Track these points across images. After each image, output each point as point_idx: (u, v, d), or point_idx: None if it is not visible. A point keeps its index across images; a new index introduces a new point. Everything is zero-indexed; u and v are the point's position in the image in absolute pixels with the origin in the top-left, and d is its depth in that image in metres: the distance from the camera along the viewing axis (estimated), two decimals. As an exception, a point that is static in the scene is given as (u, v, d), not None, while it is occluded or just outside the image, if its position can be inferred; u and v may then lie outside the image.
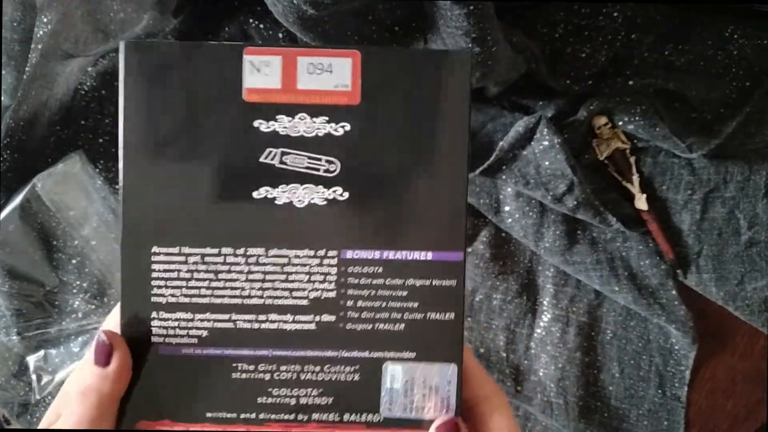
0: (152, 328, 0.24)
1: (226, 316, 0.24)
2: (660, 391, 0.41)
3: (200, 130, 0.23)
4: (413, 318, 0.24)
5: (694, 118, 0.40)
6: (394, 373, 0.24)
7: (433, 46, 0.35)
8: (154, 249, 0.23)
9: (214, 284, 0.24)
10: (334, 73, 0.23)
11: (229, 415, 0.24)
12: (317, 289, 0.24)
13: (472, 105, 0.39)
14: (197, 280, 0.24)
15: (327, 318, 0.24)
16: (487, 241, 0.42)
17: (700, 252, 0.42)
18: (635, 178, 0.41)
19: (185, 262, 0.24)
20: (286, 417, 0.24)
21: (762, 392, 0.42)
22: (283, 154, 0.23)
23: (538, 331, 0.42)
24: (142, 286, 0.24)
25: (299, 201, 0.23)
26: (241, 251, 0.24)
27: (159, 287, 0.24)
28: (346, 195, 0.23)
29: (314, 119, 0.23)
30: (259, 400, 0.24)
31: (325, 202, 0.23)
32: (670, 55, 0.39)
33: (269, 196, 0.23)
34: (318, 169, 0.23)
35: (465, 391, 0.24)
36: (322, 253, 0.24)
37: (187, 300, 0.24)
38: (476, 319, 0.42)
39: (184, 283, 0.24)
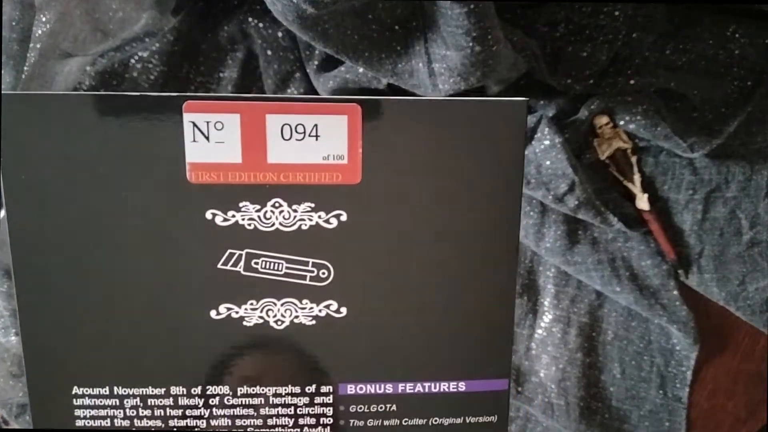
0: None
1: None
2: (661, 391, 0.41)
3: (129, 225, 0.16)
4: None
5: (696, 117, 0.40)
6: None
7: (433, 45, 0.34)
8: (75, 390, 0.17)
9: None
10: (322, 138, 0.16)
11: None
12: None
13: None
14: (138, 429, 0.17)
15: None
16: (488, 241, 0.42)
17: (701, 252, 0.41)
18: (636, 177, 0.41)
19: (120, 406, 0.17)
20: None
21: (763, 393, 0.42)
22: (250, 257, 0.16)
23: (539, 331, 0.42)
24: None
25: (277, 321, 0.17)
26: (197, 390, 0.17)
27: None
28: (343, 311, 0.17)
29: (294, 207, 0.16)
30: None
31: (313, 322, 0.17)
32: (671, 55, 0.39)
33: (234, 315, 0.17)
34: (303, 277, 0.17)
35: None
36: (312, 389, 0.18)
37: None
38: (477, 320, 0.42)
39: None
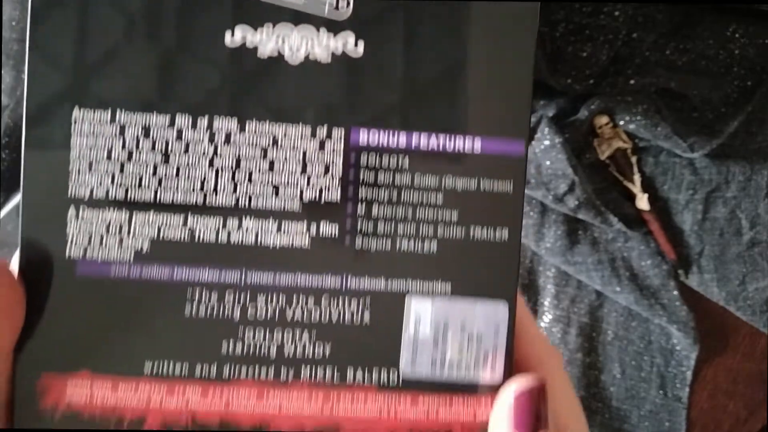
0: (67, 236, 0.16)
1: (178, 219, 0.16)
2: (661, 391, 0.41)
3: None
4: (450, 235, 0.17)
5: (696, 117, 0.40)
6: (421, 313, 0.17)
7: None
8: (75, 112, 0.16)
9: (162, 170, 0.16)
10: None
11: (177, 367, 0.17)
12: (315, 187, 0.16)
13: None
14: (138, 163, 0.16)
15: (328, 229, 0.17)
16: (488, 241, 0.42)
17: (701, 252, 0.41)
18: (637, 177, 0.41)
19: (120, 134, 0.16)
20: (263, 373, 0.17)
21: (763, 393, 0.42)
22: None
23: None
24: (55, 165, 0.16)
25: (292, 53, 0.16)
26: (204, 122, 0.16)
27: (80, 172, 0.16)
28: (361, 47, 0.16)
29: None
30: (225, 347, 0.17)
31: (329, 57, 0.16)
32: (671, 55, 0.39)
33: (248, 44, 0.16)
34: (322, 3, 0.16)
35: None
36: (323, 132, 0.16)
37: (121, 193, 0.16)
38: (477, 320, 0.42)
39: (118, 167, 0.16)
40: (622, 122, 0.40)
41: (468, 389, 0.17)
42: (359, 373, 0.17)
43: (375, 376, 0.17)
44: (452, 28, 0.16)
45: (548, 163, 0.39)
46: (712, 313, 0.42)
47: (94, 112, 0.16)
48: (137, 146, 0.16)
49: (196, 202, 0.16)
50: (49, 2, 0.15)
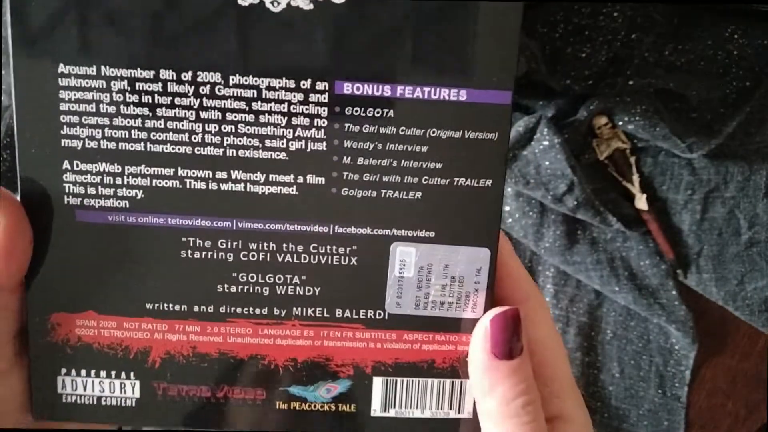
0: (64, 185, 0.17)
1: (170, 171, 0.17)
2: (660, 391, 0.41)
3: None
4: (435, 183, 0.17)
5: (694, 118, 0.40)
6: (406, 257, 0.18)
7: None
8: (61, 68, 0.16)
9: (150, 123, 0.16)
10: None
11: (177, 307, 0.18)
12: (300, 138, 0.17)
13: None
14: (125, 116, 0.16)
15: (314, 179, 0.17)
16: (487, 241, 0.42)
17: (700, 252, 0.42)
18: (635, 178, 0.41)
19: (107, 89, 0.16)
20: (257, 311, 0.18)
21: (762, 392, 0.42)
22: None
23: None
24: (45, 120, 0.16)
25: (273, 2, 0.16)
26: (187, 76, 0.16)
27: (71, 125, 0.16)
28: None
29: None
30: (219, 288, 0.18)
31: (311, 5, 0.16)
32: (670, 55, 0.39)
33: None
34: None
35: (496, 288, 0.18)
36: (307, 84, 0.16)
37: (112, 145, 0.17)
38: (476, 319, 0.42)
39: (107, 121, 0.16)
40: (620, 123, 0.40)
41: (450, 326, 0.18)
42: (347, 312, 0.18)
43: (362, 314, 0.18)
44: None
45: (547, 163, 0.39)
46: (711, 313, 0.42)
47: (80, 68, 0.16)
48: (124, 100, 0.16)
49: (185, 152, 0.17)
50: None
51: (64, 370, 0.18)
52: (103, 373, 0.18)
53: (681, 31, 0.39)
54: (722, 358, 0.42)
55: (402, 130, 0.17)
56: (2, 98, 0.41)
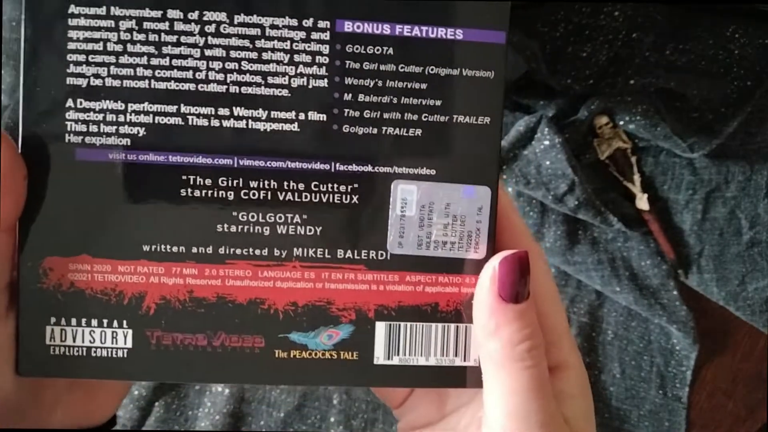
0: (66, 123, 0.17)
1: (172, 108, 0.17)
2: (661, 391, 0.41)
3: None
4: (434, 121, 0.17)
5: (695, 117, 0.40)
6: (407, 196, 0.18)
7: None
8: (72, 9, 0.16)
9: (155, 61, 0.17)
10: None
11: (174, 249, 0.17)
12: (302, 75, 0.17)
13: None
14: (132, 54, 0.17)
15: (315, 116, 0.17)
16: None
17: (701, 252, 0.42)
18: (636, 177, 0.41)
19: (115, 29, 0.17)
20: (257, 252, 0.18)
21: (763, 393, 0.42)
22: None
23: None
24: (52, 58, 0.17)
25: None
26: (194, 15, 0.17)
27: (77, 63, 0.17)
28: None
29: None
30: (219, 228, 0.17)
31: None
32: (671, 55, 0.39)
33: None
34: None
35: (498, 237, 0.18)
36: (309, 23, 0.17)
37: (117, 83, 0.17)
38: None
39: (113, 59, 0.17)
40: (621, 122, 0.40)
41: (453, 267, 0.18)
42: (348, 253, 0.18)
43: (364, 255, 0.18)
44: None
45: (548, 163, 0.39)
46: (712, 313, 0.42)
47: (89, 8, 0.17)
48: (131, 39, 0.17)
49: (188, 89, 0.17)
50: None
51: (53, 320, 0.17)
52: (94, 322, 0.18)
53: (682, 31, 0.39)
54: (723, 359, 0.42)
55: (401, 68, 0.17)
56: (1, 98, 0.41)
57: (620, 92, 0.39)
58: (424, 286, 0.18)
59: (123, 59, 0.17)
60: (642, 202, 0.41)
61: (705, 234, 0.41)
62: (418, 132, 0.18)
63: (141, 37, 0.17)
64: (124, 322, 0.18)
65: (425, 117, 0.17)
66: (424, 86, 0.17)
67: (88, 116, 0.17)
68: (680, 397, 0.41)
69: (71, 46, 0.17)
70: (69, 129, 0.17)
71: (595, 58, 0.38)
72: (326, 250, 0.18)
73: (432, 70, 0.17)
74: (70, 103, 0.17)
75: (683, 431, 0.41)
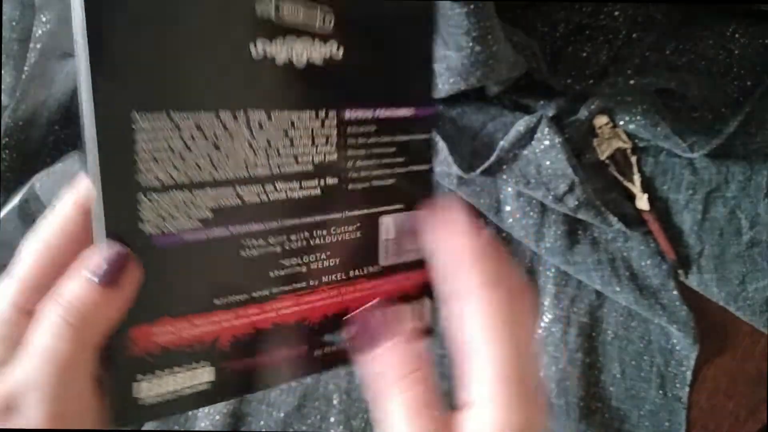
0: (143, 216, 0.20)
1: (231, 191, 0.21)
2: (661, 391, 0.41)
3: None
4: (400, 172, 0.24)
5: (696, 117, 0.40)
6: (389, 225, 0.25)
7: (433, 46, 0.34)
8: (135, 115, 0.19)
9: (215, 155, 0.20)
10: None
11: (240, 298, 0.22)
12: (321, 153, 0.23)
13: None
14: (194, 152, 0.20)
15: (331, 181, 0.23)
16: (488, 241, 0.42)
17: (701, 252, 0.42)
18: (636, 177, 0.41)
19: (177, 130, 0.20)
20: (299, 286, 0.23)
21: (763, 392, 0.42)
22: (279, 2, 0.21)
23: (539, 331, 0.42)
24: (125, 163, 0.19)
25: (298, 60, 0.21)
26: (241, 115, 0.21)
27: (146, 162, 0.19)
28: (341, 51, 0.22)
29: None
30: (271, 274, 0.22)
31: (322, 62, 0.22)
32: (671, 55, 0.39)
33: (269, 54, 0.21)
34: (313, 20, 0.22)
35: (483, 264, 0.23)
36: (323, 114, 0.22)
37: (184, 178, 0.20)
38: (477, 320, 0.42)
39: (178, 157, 0.20)
40: (621, 122, 0.40)
41: (417, 265, 0.25)
42: (356, 271, 0.24)
43: (365, 270, 0.25)
44: (388, 48, 0.24)
45: (548, 163, 0.39)
46: (712, 313, 0.42)
47: (152, 113, 0.19)
48: (192, 139, 0.20)
49: (242, 176, 0.21)
50: (109, 26, 0.19)
51: (140, 376, 0.20)
52: (178, 369, 0.21)
53: (682, 31, 0.39)
54: (723, 359, 0.42)
55: (381, 139, 0.24)
56: (1, 98, 0.41)
57: (620, 92, 0.39)
58: (403, 282, 0.25)
59: (187, 156, 0.20)
60: (642, 202, 0.41)
61: (705, 234, 0.41)
62: (392, 181, 0.24)
63: (200, 135, 0.20)
64: (206, 362, 0.22)
65: (395, 170, 0.24)
66: (393, 149, 0.24)
67: (160, 209, 0.20)
68: (680, 397, 0.41)
69: (140, 147, 0.19)
70: (146, 220, 0.20)
71: (596, 58, 0.38)
72: (343, 274, 0.24)
73: (398, 137, 0.24)
74: (143, 199, 0.20)
75: (683, 431, 0.41)
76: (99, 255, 0.19)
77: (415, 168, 0.25)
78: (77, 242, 0.20)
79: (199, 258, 0.21)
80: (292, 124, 0.22)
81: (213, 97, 0.20)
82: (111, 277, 0.19)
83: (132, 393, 0.20)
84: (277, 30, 0.21)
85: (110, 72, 0.19)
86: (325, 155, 0.23)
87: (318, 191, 0.23)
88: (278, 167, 0.22)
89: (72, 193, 0.21)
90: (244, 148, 0.21)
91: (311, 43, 0.22)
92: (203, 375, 0.22)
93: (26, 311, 0.19)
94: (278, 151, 0.22)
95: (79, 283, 0.19)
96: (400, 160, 0.24)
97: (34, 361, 0.18)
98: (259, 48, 0.21)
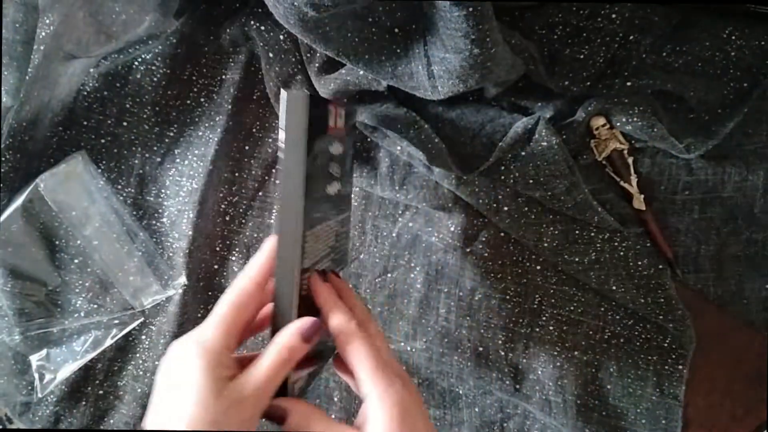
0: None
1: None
2: (658, 389, 0.42)
3: None
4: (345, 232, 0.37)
5: (692, 118, 0.41)
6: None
7: (432, 48, 0.35)
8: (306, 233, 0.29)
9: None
10: None
11: None
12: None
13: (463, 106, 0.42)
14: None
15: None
16: (487, 241, 0.43)
17: (698, 252, 0.42)
18: (633, 178, 0.41)
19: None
20: None
21: (760, 391, 0.42)
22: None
23: (537, 330, 0.43)
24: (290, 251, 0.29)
25: (330, 186, 0.32)
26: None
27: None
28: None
29: None
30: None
31: (339, 188, 0.34)
32: (668, 57, 0.40)
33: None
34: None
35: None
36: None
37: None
38: (475, 318, 0.43)
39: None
40: (618, 123, 0.40)
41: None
42: None
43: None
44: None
45: (546, 163, 0.39)
46: (709, 313, 0.42)
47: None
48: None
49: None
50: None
51: None
52: None
53: (679, 33, 0.39)
54: (720, 358, 0.42)
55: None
56: (4, 99, 0.41)
57: (617, 94, 0.40)
58: None
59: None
60: (639, 202, 0.41)
61: (702, 234, 0.42)
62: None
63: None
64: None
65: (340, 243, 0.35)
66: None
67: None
68: (677, 395, 0.41)
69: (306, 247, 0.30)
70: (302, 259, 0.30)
71: (593, 60, 0.39)
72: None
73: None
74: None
75: (679, 429, 0.42)
76: (309, 322, 0.28)
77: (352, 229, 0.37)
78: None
79: None
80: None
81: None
82: (309, 334, 0.28)
83: None
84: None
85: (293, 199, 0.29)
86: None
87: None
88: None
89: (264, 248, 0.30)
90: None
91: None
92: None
93: (262, 287, 0.30)
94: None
95: (290, 339, 0.28)
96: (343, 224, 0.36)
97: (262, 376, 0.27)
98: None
